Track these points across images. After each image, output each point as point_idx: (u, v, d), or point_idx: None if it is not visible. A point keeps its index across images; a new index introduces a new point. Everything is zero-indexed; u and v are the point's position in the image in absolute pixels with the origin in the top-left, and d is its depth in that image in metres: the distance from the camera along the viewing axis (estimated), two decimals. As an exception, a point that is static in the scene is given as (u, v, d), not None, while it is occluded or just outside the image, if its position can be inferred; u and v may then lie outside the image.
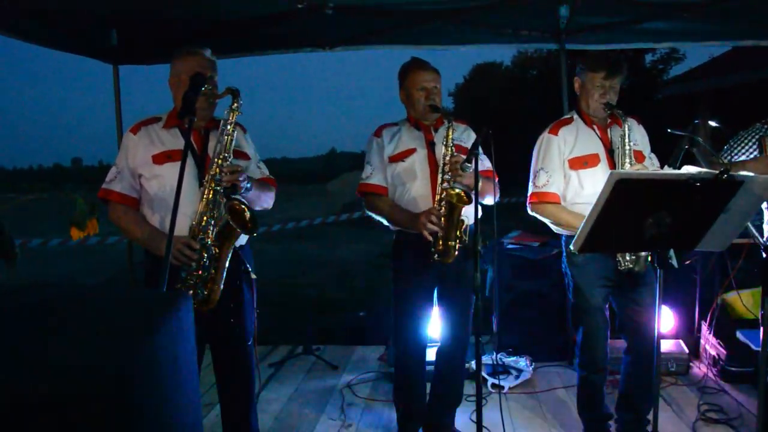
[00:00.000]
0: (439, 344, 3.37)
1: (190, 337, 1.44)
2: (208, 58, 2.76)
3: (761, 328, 2.33)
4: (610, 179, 2.04)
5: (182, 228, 2.60)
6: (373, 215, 3.24)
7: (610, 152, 3.09)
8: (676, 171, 2.50)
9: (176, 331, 1.29)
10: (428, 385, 3.47)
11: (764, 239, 3.15)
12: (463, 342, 3.30)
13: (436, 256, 2.98)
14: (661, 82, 20.93)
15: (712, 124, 2.71)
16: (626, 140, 2.98)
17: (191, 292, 2.56)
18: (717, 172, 2.08)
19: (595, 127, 3.15)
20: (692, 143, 2.64)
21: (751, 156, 3.12)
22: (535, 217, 3.23)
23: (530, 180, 3.20)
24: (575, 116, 3.21)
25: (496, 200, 2.99)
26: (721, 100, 9.23)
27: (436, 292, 3.25)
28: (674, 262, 2.79)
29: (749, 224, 2.44)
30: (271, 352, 5.14)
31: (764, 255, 2.31)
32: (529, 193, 3.20)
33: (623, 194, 2.05)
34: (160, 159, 2.69)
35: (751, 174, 2.14)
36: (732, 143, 3.21)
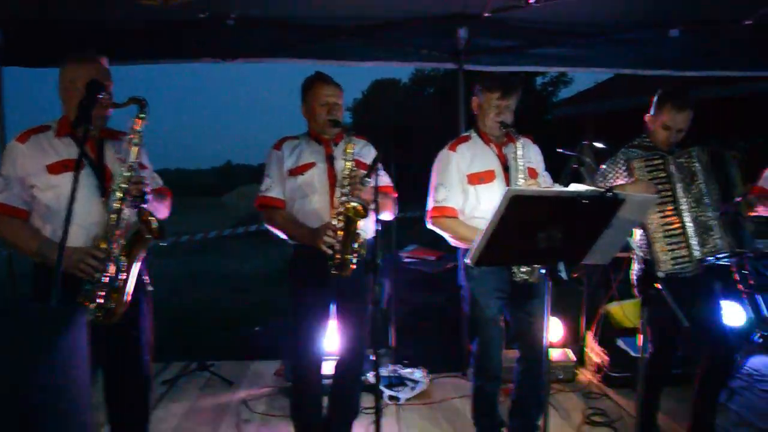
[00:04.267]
0: (336, 358, 3.39)
1: (83, 354, 1.38)
2: (105, 67, 2.68)
3: (638, 336, 2.50)
4: (505, 195, 2.14)
5: (78, 239, 2.52)
6: (271, 229, 3.22)
7: (506, 169, 3.22)
8: (566, 188, 2.65)
9: (69, 350, 1.22)
10: (326, 399, 3.47)
11: (637, 258, 3.35)
12: (360, 355, 3.33)
13: (333, 269, 3.00)
14: (550, 104, 21.94)
15: (598, 145, 2.89)
16: (519, 157, 3.12)
17: (95, 304, 2.48)
18: (602, 190, 2.22)
19: (492, 144, 3.28)
20: (580, 162, 2.81)
21: (625, 180, 3.32)
22: (434, 231, 3.31)
23: (429, 195, 3.28)
24: (473, 134, 3.34)
25: (395, 216, 3.05)
26: (603, 123, 9.81)
27: (333, 305, 3.26)
28: (563, 274, 2.95)
29: (629, 239, 2.61)
30: (164, 369, 4.96)
31: (643, 267, 2.48)
32: (428, 208, 3.28)
33: (517, 210, 2.15)
34: (57, 169, 2.58)
35: (633, 194, 2.30)
36: (604, 169, 3.38)
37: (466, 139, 3.32)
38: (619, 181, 3.30)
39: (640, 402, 2.99)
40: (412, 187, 4.63)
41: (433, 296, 4.73)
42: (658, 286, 2.47)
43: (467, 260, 2.39)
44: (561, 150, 3.09)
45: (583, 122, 10.60)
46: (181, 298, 8.39)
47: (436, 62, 4.94)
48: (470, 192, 3.20)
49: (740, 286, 4.74)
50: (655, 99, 3.32)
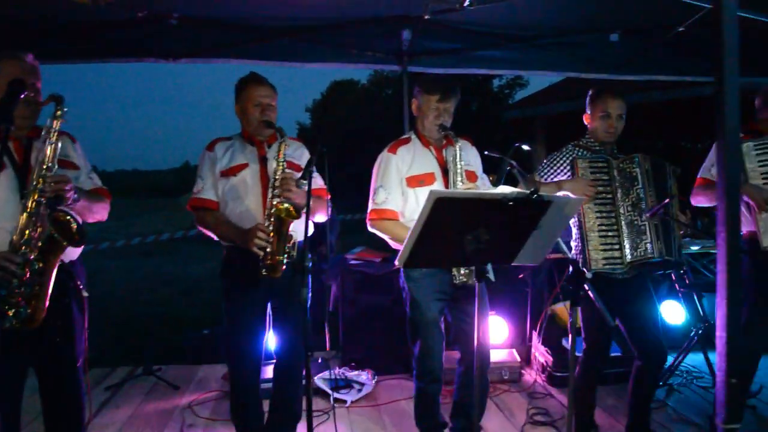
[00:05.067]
0: (275, 361, 3.36)
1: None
2: (30, 64, 2.61)
3: (569, 335, 2.53)
4: (429, 197, 2.14)
5: (2, 243, 2.45)
6: (203, 230, 3.19)
7: (445, 171, 3.24)
8: (491, 190, 2.68)
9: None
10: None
11: (572, 254, 3.40)
12: (299, 357, 3.30)
13: (264, 270, 2.98)
14: (506, 106, 22.22)
15: (524, 147, 2.93)
16: (458, 160, 3.14)
17: (12, 310, 2.40)
18: (528, 192, 2.25)
19: (431, 147, 3.29)
20: (511, 164, 2.84)
21: (566, 176, 3.39)
22: (375, 234, 3.31)
23: (370, 197, 3.28)
24: (413, 136, 3.35)
25: (328, 217, 3.05)
26: (554, 124, 9.98)
27: (270, 308, 3.24)
28: (491, 276, 2.98)
29: (559, 240, 2.64)
30: (109, 374, 4.89)
31: (572, 269, 2.51)
32: (368, 210, 3.28)
33: (443, 212, 2.16)
34: None
35: (559, 195, 2.33)
36: (546, 163, 3.46)
37: (406, 141, 3.33)
38: (560, 177, 3.36)
39: (573, 399, 3.00)
40: (366, 190, 4.64)
41: (380, 298, 4.73)
42: (586, 287, 2.50)
43: (396, 262, 2.39)
44: (487, 152, 3.11)
45: (533, 123, 10.76)
46: (130, 301, 8.28)
47: (380, 64, 4.97)
48: (410, 194, 3.21)
49: (677, 286, 4.86)
50: (588, 97, 3.42)
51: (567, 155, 3.40)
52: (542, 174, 3.42)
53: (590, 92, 3.44)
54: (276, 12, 4.14)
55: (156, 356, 5.03)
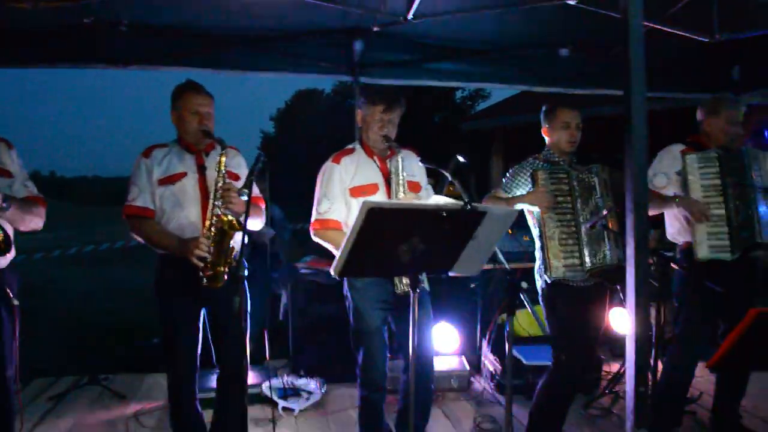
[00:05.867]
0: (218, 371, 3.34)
1: None
2: None
3: (507, 344, 2.58)
4: (362, 208, 2.17)
5: None
6: (138, 238, 3.16)
7: (389, 182, 3.27)
8: (426, 201, 2.71)
9: None
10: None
11: (537, 267, 3.46)
12: (242, 366, 3.28)
13: (204, 281, 2.97)
14: (468, 117, 22.45)
15: (460, 159, 2.98)
16: (400, 171, 3.18)
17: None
18: (463, 203, 2.29)
19: (375, 157, 3.32)
20: (442, 174, 2.87)
21: (527, 188, 3.45)
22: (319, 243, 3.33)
23: (314, 207, 3.30)
24: (357, 147, 3.38)
25: (262, 225, 3.05)
26: (511, 136, 10.12)
27: (206, 316, 3.22)
28: (426, 285, 3.02)
29: (497, 250, 2.69)
30: (53, 384, 4.78)
31: (508, 278, 2.56)
32: (312, 220, 3.29)
33: (376, 222, 2.19)
34: None
35: (492, 206, 2.37)
36: (509, 176, 3.53)
37: (350, 151, 3.35)
38: (521, 189, 3.43)
39: (509, 403, 3.04)
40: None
41: (330, 307, 4.72)
42: (522, 297, 2.56)
43: (331, 271, 2.41)
44: (424, 163, 3.16)
45: (492, 135, 10.91)
46: (81, 310, 8.12)
47: (333, 74, 4.99)
48: (353, 204, 3.23)
49: (623, 296, 4.95)
50: (543, 112, 3.50)
51: (527, 167, 3.48)
52: (505, 187, 3.50)
53: (545, 107, 3.52)
54: (228, 22, 4.15)
55: (104, 365, 4.96)
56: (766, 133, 7.32)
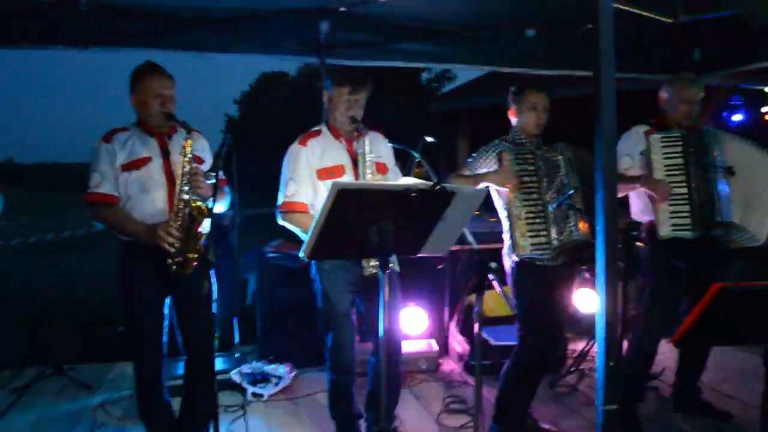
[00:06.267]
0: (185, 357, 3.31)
1: None
2: None
3: (476, 324, 2.59)
4: (332, 189, 2.15)
5: None
6: (102, 225, 3.09)
7: (356, 163, 3.24)
8: (394, 182, 2.70)
9: None
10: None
11: (507, 247, 3.48)
12: (210, 352, 3.25)
13: (174, 267, 2.93)
14: (435, 99, 22.45)
15: (429, 139, 2.97)
16: (367, 152, 3.15)
17: None
18: (432, 183, 2.28)
19: (342, 139, 3.29)
20: (420, 156, 2.87)
21: (492, 168, 3.46)
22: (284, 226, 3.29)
23: (280, 189, 3.26)
24: (324, 128, 3.34)
25: (226, 208, 3.01)
26: (477, 117, 10.14)
27: (172, 303, 3.18)
28: (396, 266, 3.02)
29: (466, 231, 2.69)
30: (16, 376, 4.66)
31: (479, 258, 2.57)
32: (279, 203, 3.26)
33: (346, 204, 2.17)
34: None
35: (461, 186, 2.37)
36: (475, 157, 3.54)
37: (317, 133, 3.32)
38: (483, 170, 3.43)
39: (478, 385, 3.06)
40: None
41: (299, 291, 4.65)
42: (491, 276, 2.57)
43: (301, 254, 2.39)
44: (392, 144, 3.15)
45: (458, 116, 10.94)
46: (43, 299, 7.93)
47: (298, 55, 4.92)
48: (320, 187, 3.20)
49: (587, 275, 5.03)
50: (511, 94, 3.50)
51: (494, 148, 3.49)
52: (471, 167, 3.50)
53: (512, 88, 3.52)
54: (190, 2, 4.04)
55: (69, 355, 4.85)
56: (725, 114, 7.47)
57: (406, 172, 3.12)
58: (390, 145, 3.43)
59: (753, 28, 4.49)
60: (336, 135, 3.29)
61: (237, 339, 4.53)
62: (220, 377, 4.18)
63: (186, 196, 2.90)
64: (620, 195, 3.68)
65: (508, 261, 3.45)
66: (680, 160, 3.57)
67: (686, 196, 3.54)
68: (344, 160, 3.25)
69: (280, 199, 3.24)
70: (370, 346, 3.54)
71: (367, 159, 3.15)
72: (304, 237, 3.24)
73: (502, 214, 3.46)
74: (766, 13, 4.22)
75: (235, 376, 4.32)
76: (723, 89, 6.98)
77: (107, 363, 4.95)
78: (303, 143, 3.25)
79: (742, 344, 4.19)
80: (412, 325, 4.94)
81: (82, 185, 3.11)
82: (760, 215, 3.50)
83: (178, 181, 2.94)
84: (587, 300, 5.28)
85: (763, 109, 7.77)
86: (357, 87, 3.19)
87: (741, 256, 3.81)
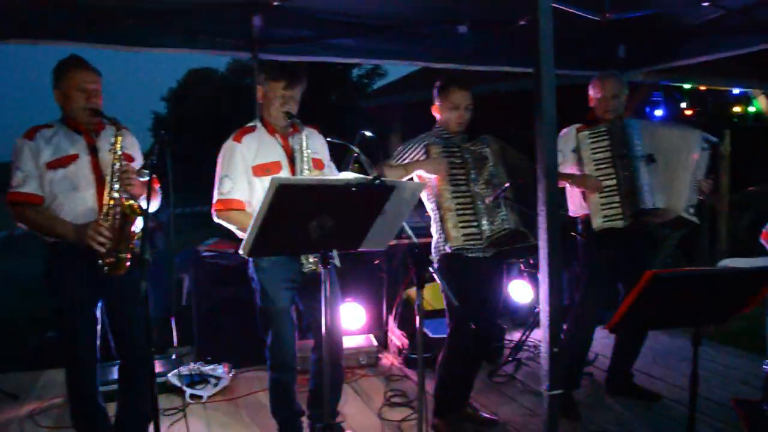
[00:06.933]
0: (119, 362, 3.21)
1: None
2: None
3: (417, 317, 2.60)
4: (271, 185, 2.12)
5: None
6: (25, 227, 2.95)
7: (292, 160, 3.21)
8: (334, 177, 2.69)
9: None
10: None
11: (435, 240, 3.52)
12: (144, 354, 3.16)
13: (105, 269, 2.83)
14: (366, 94, 22.51)
15: (367, 134, 2.98)
16: (304, 148, 3.13)
17: None
18: (371, 177, 2.28)
19: (277, 135, 3.25)
20: (353, 151, 2.87)
21: (421, 158, 3.49)
22: (219, 224, 3.23)
23: (215, 187, 3.19)
24: (258, 124, 3.28)
25: (158, 206, 2.95)
26: (409, 113, 10.21)
27: (104, 305, 3.08)
28: (337, 261, 3.01)
29: (405, 225, 2.71)
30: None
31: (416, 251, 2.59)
32: (214, 200, 3.19)
33: (286, 199, 2.15)
34: None
35: (403, 180, 2.38)
36: (401, 149, 3.55)
37: (252, 129, 3.26)
38: (416, 158, 3.45)
39: (421, 378, 3.09)
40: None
41: (235, 289, 4.60)
42: (431, 269, 2.59)
43: (240, 251, 2.35)
44: (330, 139, 3.14)
45: (390, 112, 10.99)
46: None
47: (230, 50, 4.83)
48: (256, 183, 3.15)
49: (523, 267, 5.15)
50: (436, 89, 3.53)
51: (420, 141, 3.52)
52: (397, 158, 3.52)
53: (437, 84, 3.56)
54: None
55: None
56: (647, 110, 7.78)
57: (343, 168, 3.10)
58: (326, 140, 3.41)
59: (674, 27, 4.68)
60: (271, 131, 3.25)
61: (174, 340, 4.42)
62: (157, 380, 4.07)
63: (117, 195, 2.81)
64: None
65: (437, 254, 3.49)
66: (608, 154, 3.71)
67: (615, 188, 3.67)
68: (280, 156, 3.21)
69: (216, 197, 3.17)
70: (310, 343, 3.51)
71: (304, 155, 3.12)
72: (242, 234, 3.22)
73: (432, 207, 3.50)
74: (686, 13, 4.41)
75: (172, 378, 4.23)
76: (645, 86, 7.26)
77: (35, 371, 4.75)
78: (238, 139, 3.19)
79: (673, 327, 4.38)
80: (351, 320, 4.94)
81: (2, 185, 2.97)
82: (680, 192, 3.65)
83: (108, 179, 2.85)
84: (522, 291, 5.41)
85: (682, 105, 8.13)
86: (292, 82, 3.15)
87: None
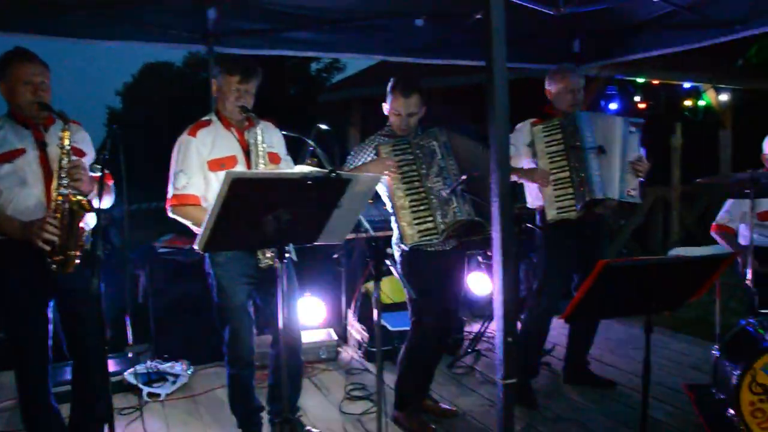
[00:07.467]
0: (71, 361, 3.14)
1: None
2: None
3: (375, 310, 2.61)
4: (226, 179, 2.10)
5: None
6: None
7: (248, 154, 3.18)
8: (290, 170, 2.67)
9: None
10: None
11: (395, 237, 3.52)
12: (99, 353, 3.10)
13: (54, 267, 2.77)
14: (324, 89, 22.39)
15: (323, 127, 2.97)
16: (260, 142, 3.10)
17: None
18: (327, 170, 2.27)
19: (233, 129, 3.21)
20: (314, 145, 2.86)
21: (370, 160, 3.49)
22: (176, 220, 3.18)
23: (170, 182, 3.14)
24: (214, 118, 3.24)
25: (112, 203, 2.89)
26: (368, 106, 10.20)
27: (55, 304, 3.01)
28: (293, 256, 3.00)
29: (362, 218, 2.71)
30: None
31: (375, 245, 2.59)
32: (169, 195, 3.14)
33: (241, 193, 2.13)
34: None
35: (357, 174, 2.38)
36: (353, 153, 3.54)
37: (206, 123, 3.21)
38: (367, 160, 3.44)
39: (380, 371, 3.11)
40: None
41: (192, 286, 4.53)
42: (388, 263, 2.60)
43: (195, 246, 2.32)
44: (285, 133, 3.12)
45: (349, 106, 10.96)
46: None
47: (185, 43, 4.74)
48: (212, 178, 3.11)
49: (481, 259, 5.20)
50: (388, 87, 3.50)
51: (370, 143, 3.51)
52: (349, 163, 3.50)
53: (389, 84, 3.50)
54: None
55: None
56: (602, 104, 7.90)
57: (300, 161, 3.08)
58: (282, 134, 3.38)
59: (628, 22, 4.77)
60: (226, 125, 3.21)
61: (130, 338, 4.35)
62: (113, 379, 4.00)
63: (65, 191, 2.74)
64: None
65: (398, 250, 3.49)
66: (561, 147, 3.76)
67: (568, 180, 3.72)
68: (236, 150, 3.17)
69: (171, 192, 3.12)
70: (268, 338, 3.49)
71: (260, 149, 3.09)
72: (197, 230, 3.17)
73: (388, 205, 3.50)
74: (639, 8, 4.50)
75: (129, 376, 4.16)
76: (600, 79, 7.37)
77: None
78: (192, 134, 3.14)
79: (627, 316, 4.49)
80: (311, 314, 4.93)
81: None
82: (616, 177, 3.71)
83: (55, 175, 2.78)
84: (481, 283, 5.46)
85: (636, 98, 8.29)
86: (247, 76, 3.11)
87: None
